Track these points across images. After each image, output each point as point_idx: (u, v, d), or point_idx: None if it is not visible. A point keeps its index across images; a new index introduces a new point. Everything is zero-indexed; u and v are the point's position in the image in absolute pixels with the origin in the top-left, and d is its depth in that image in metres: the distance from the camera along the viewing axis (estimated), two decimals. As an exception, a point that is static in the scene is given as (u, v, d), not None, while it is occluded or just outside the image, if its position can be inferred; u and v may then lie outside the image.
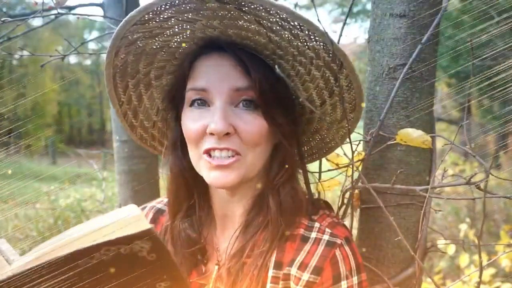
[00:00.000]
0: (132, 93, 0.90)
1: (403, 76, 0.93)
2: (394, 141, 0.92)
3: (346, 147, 0.92)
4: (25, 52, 1.41)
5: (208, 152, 0.77)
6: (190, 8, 0.73)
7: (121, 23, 0.76)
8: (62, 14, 1.43)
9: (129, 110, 0.92)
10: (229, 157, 0.76)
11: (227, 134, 0.74)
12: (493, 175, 0.85)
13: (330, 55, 0.74)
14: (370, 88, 1.01)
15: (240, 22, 0.74)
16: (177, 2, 0.71)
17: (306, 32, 0.71)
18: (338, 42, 1.04)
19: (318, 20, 0.81)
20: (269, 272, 0.78)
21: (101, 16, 1.69)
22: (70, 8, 1.74)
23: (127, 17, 0.75)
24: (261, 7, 0.69)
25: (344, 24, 1.17)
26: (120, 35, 0.78)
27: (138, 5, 1.76)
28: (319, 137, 0.92)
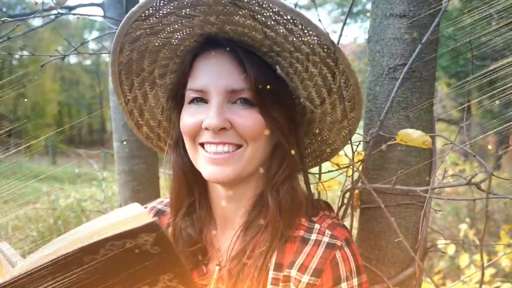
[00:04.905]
0: (137, 92, 0.91)
1: (403, 76, 0.93)
2: (394, 141, 0.92)
3: (347, 147, 0.92)
4: (25, 52, 1.40)
5: (202, 145, 0.78)
6: (187, 3, 0.74)
7: (124, 19, 0.78)
8: (62, 14, 1.43)
9: (134, 108, 0.94)
10: (226, 152, 0.77)
11: (223, 129, 0.75)
12: (495, 175, 0.85)
13: (325, 49, 0.74)
14: (370, 88, 1.01)
15: (236, 18, 0.75)
16: None
17: (300, 26, 0.72)
18: (338, 42, 1.04)
19: (319, 19, 0.81)
20: (269, 273, 0.78)
21: (101, 16, 1.69)
22: (70, 8, 1.74)
23: (129, 13, 0.77)
24: (253, 1, 0.70)
25: (344, 24, 1.17)
26: (124, 32, 0.79)
27: (138, 5, 1.76)
28: (321, 138, 0.92)
